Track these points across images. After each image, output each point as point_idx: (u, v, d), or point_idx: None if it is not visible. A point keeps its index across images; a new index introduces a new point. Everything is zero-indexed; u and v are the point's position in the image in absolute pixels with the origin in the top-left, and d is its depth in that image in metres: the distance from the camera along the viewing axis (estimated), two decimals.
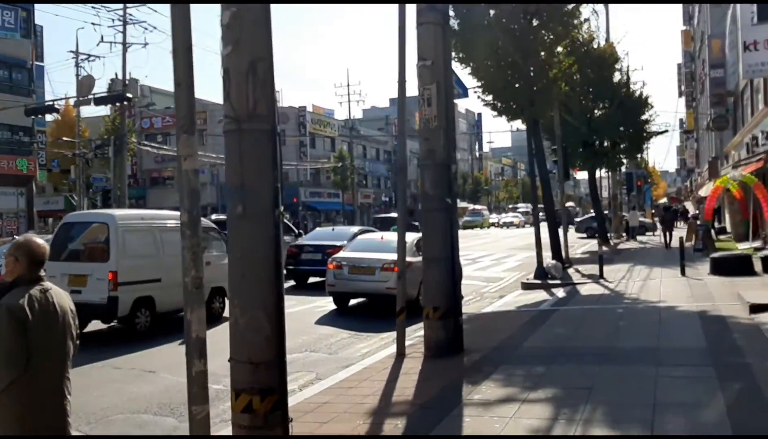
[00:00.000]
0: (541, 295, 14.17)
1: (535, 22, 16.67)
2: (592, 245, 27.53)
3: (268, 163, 4.94)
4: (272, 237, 4.91)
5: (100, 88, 45.83)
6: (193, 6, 4.56)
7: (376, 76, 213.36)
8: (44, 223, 40.60)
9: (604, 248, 20.86)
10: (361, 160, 69.06)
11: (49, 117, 38.02)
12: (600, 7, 33.08)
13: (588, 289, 14.62)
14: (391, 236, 14.04)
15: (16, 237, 13.78)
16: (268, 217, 4.88)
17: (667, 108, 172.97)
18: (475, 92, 17.86)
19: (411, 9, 8.81)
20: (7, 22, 35.36)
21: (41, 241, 3.70)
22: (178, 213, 11.64)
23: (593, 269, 17.24)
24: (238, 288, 4.93)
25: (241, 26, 4.81)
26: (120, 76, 29.90)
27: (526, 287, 15.53)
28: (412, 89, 9.21)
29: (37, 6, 37.42)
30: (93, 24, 42.71)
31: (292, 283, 16.98)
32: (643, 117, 29.19)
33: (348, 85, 62.49)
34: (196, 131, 4.47)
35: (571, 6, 16.94)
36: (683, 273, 15.52)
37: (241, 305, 4.89)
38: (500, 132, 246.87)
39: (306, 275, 17.29)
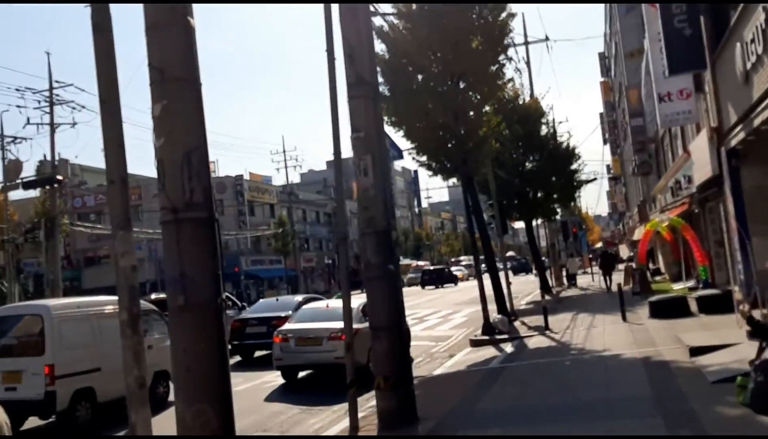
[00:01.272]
0: (490, 351, 14.24)
1: (462, 84, 17.23)
2: (536, 294, 27.97)
3: (207, 252, 4.91)
4: (216, 327, 4.84)
5: (29, 170, 44.66)
6: (122, 87, 4.56)
7: (311, 139, 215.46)
8: None
9: (547, 297, 21.21)
10: (302, 224, 68.97)
11: None
12: (522, 65, 34.63)
13: (535, 342, 14.78)
14: (337, 304, 13.95)
15: None
16: (210, 307, 4.82)
17: (594, 155, 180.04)
18: (410, 153, 18.25)
19: (342, 80, 9.00)
20: None
21: None
22: (115, 298, 11.33)
23: (538, 320, 17.48)
24: (184, 382, 4.81)
25: (173, 118, 4.84)
26: (49, 158, 29.24)
27: (475, 344, 15.59)
28: (348, 151, 9.35)
29: None
30: (18, 106, 41.65)
31: (237, 358, 16.59)
32: (573, 167, 30.27)
33: (284, 151, 62.82)
34: (132, 228, 4.41)
35: (494, 67, 17.62)
36: (624, 319, 15.89)
37: (186, 400, 4.77)
38: (437, 189, 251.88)
39: (251, 349, 16.93)
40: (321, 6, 8.95)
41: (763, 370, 6.44)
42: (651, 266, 30.99)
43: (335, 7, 8.97)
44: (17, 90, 29.80)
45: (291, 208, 63.29)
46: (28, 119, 29.59)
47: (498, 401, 9.20)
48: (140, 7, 4.98)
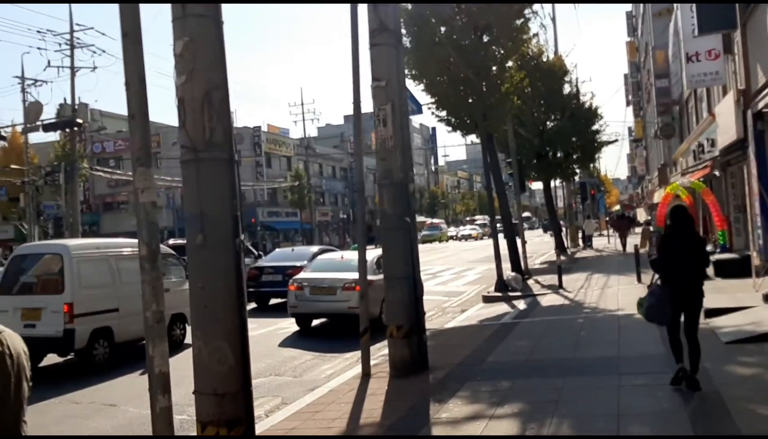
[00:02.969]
0: (502, 307, 14.30)
1: (485, 38, 16.95)
2: (550, 255, 27.94)
3: (226, 192, 4.91)
4: (233, 266, 4.87)
5: (49, 113, 44.85)
6: (144, 29, 4.52)
7: (330, 93, 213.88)
8: None
9: (562, 258, 21.17)
10: (318, 178, 68.94)
11: None
12: (548, 21, 33.96)
13: (548, 300, 14.82)
14: (352, 255, 14.05)
15: None
16: (228, 246, 4.85)
17: (616, 117, 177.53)
18: (429, 108, 18.06)
19: (364, 29, 8.86)
20: None
21: None
22: (134, 241, 11.45)
23: (552, 279, 17.49)
24: (201, 319, 4.87)
25: (195, 55, 4.79)
26: (69, 101, 29.30)
27: (488, 300, 15.66)
28: (368, 106, 9.26)
29: None
30: (39, 48, 42.03)
31: (253, 305, 16.80)
32: (594, 127, 29.87)
33: (302, 104, 62.44)
34: (152, 163, 4.41)
35: (519, 22, 17.28)
36: (639, 280, 15.84)
37: (204, 336, 4.83)
38: (455, 146, 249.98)
39: (267, 296, 17.15)
40: None
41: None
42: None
43: None
44: (38, 32, 29.95)
45: (308, 161, 63.19)
46: (49, 62, 29.68)
47: (508, 354, 9.27)
48: None
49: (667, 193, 23.51)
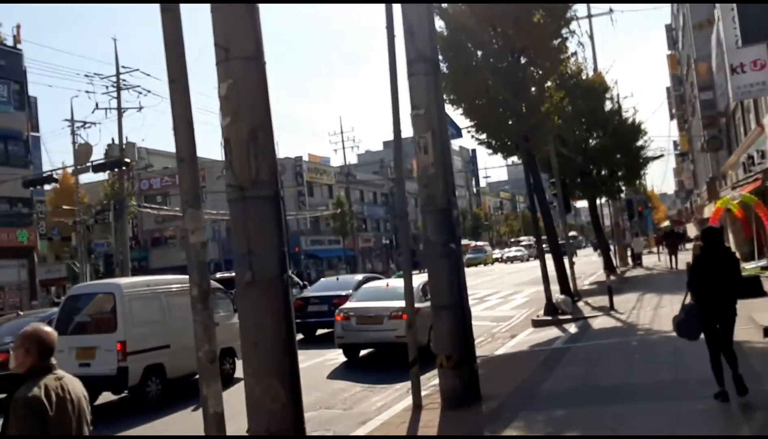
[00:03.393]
0: (553, 332, 14.03)
1: (522, 60, 16.87)
2: (599, 275, 27.41)
3: (273, 229, 4.95)
4: (282, 303, 4.88)
5: (98, 153, 46.31)
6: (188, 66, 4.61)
7: (368, 119, 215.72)
8: (47, 292, 40.48)
9: (612, 277, 20.73)
10: (359, 204, 69.32)
11: (47, 186, 38.25)
12: (585, 39, 33.68)
13: (600, 322, 14.49)
14: (397, 283, 13.99)
15: (20, 313, 13.76)
16: (277, 283, 4.87)
17: (659, 131, 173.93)
18: (469, 132, 18.01)
19: (402, 56, 8.92)
20: (0, 96, 35.85)
21: (49, 329, 3.66)
22: (182, 277, 11.63)
23: (603, 300, 17.12)
24: (252, 357, 4.89)
25: (239, 96, 4.87)
26: (117, 142, 30.16)
27: (537, 324, 15.40)
28: (407, 130, 9.28)
29: (30, 78, 38.08)
30: (87, 92, 43.35)
31: (300, 336, 16.82)
32: (638, 143, 29.36)
33: (342, 133, 63.07)
34: (201, 206, 4.48)
35: (557, 42, 17.17)
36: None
37: (255, 374, 4.84)
38: (496, 168, 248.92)
39: (314, 327, 17.16)
40: None
41: None
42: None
43: None
44: (86, 76, 31.09)
45: (349, 188, 63.64)
46: (97, 104, 30.60)
47: (562, 381, 9.06)
48: None
49: (717, 207, 22.92)
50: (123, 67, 30.73)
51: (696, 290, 6.99)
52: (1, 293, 34.82)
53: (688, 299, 7.19)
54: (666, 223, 68.36)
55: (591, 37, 34.68)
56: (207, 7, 5.11)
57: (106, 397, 10.96)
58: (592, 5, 33.10)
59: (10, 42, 37.95)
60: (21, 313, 14.88)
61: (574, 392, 8.19)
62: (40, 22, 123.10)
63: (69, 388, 3.56)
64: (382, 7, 8.87)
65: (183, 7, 4.73)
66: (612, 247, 34.77)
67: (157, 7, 4.59)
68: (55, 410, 3.35)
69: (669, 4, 45.07)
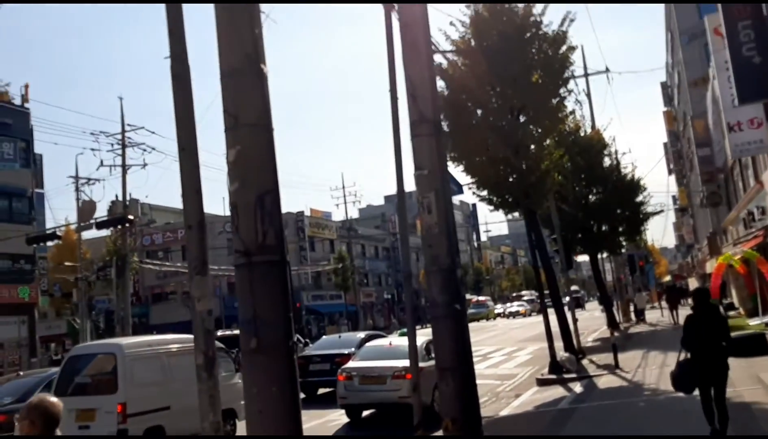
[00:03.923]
0: (558, 391, 13.85)
1: (522, 118, 17.13)
2: (603, 331, 27.19)
3: (279, 294, 4.93)
4: (288, 369, 4.83)
5: (101, 209, 46.59)
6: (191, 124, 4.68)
7: (369, 174, 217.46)
8: (46, 348, 40.14)
9: (616, 334, 20.55)
10: (361, 259, 69.28)
11: (50, 242, 38.34)
12: (583, 97, 34.25)
13: (605, 381, 14.31)
14: (400, 341, 13.89)
15: (20, 373, 13.62)
16: (281, 349, 4.82)
17: (658, 186, 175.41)
18: (470, 188, 18.16)
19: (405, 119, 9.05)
20: (6, 154, 36.28)
21: (55, 399, 3.65)
22: (182, 336, 11.57)
23: (607, 358, 16.94)
24: (256, 424, 4.80)
25: (247, 163, 4.92)
26: (120, 198, 30.38)
27: (542, 383, 15.20)
28: (409, 185, 9.35)
29: (36, 136, 38.55)
30: (92, 149, 43.53)
31: (302, 395, 16.61)
32: (638, 199, 29.53)
33: (344, 187, 63.56)
34: (208, 272, 4.49)
35: (555, 100, 17.46)
36: None
37: None
38: (497, 222, 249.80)
39: (316, 386, 16.95)
40: (383, 45, 9.10)
41: None
42: (724, 300, 29.79)
43: (398, 47, 9.08)
44: (92, 134, 31.36)
45: (350, 243, 63.75)
46: (102, 161, 31.01)
47: None
48: (215, 56, 5.15)
49: (720, 263, 22.91)
50: (128, 125, 31.20)
51: (689, 347, 7.67)
52: (0, 350, 34.50)
53: (683, 356, 7.86)
54: (668, 277, 68.14)
55: (588, 95, 35.36)
56: (216, 72, 5.24)
57: None
58: (589, 65, 33.78)
59: (17, 101, 38.63)
60: (21, 373, 14.72)
61: None
62: (48, 81, 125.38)
63: None
64: (385, 70, 9.05)
65: (192, 71, 4.86)
66: (615, 302, 34.61)
67: (165, 66, 4.71)
68: None
69: (663, 66, 45.99)
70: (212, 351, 4.35)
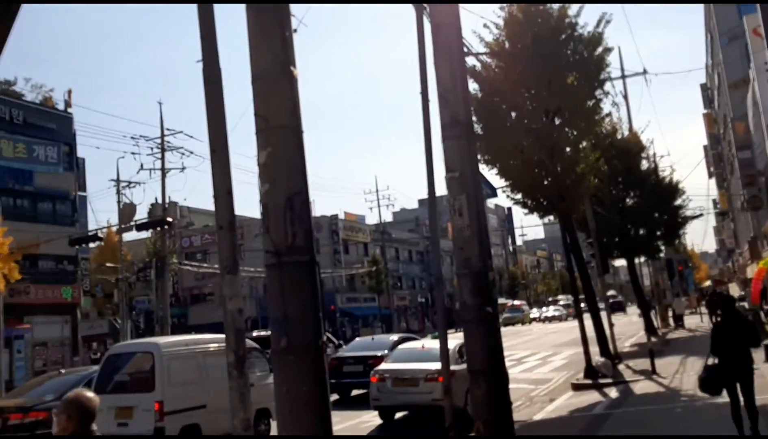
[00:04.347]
0: (593, 396, 13.69)
1: (557, 121, 16.98)
2: (640, 336, 26.75)
3: (309, 295, 5.00)
4: (317, 368, 4.90)
5: (141, 211, 47.53)
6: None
7: (403, 178, 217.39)
8: (88, 348, 41.02)
9: (653, 339, 20.22)
10: (395, 262, 69.28)
11: (92, 244, 39.20)
12: (620, 99, 33.77)
13: (642, 387, 14.09)
14: (432, 344, 13.88)
15: (62, 371, 13.99)
16: (312, 348, 4.90)
17: (698, 189, 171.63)
18: (504, 191, 18.05)
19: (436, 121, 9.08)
20: (50, 158, 37.20)
21: (91, 394, 3.75)
22: (219, 336, 11.72)
23: (644, 363, 16.68)
24: (287, 423, 4.88)
25: (277, 164, 5.01)
26: (160, 201, 30.96)
27: (577, 388, 15.04)
28: (441, 189, 9.36)
29: (79, 140, 39.45)
30: (133, 153, 44.49)
31: (335, 396, 16.71)
32: (676, 202, 29.02)
33: (377, 191, 63.68)
34: (239, 271, 4.58)
35: (591, 103, 17.27)
36: None
37: None
38: (532, 227, 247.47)
39: (349, 388, 17.03)
40: (415, 48, 9.14)
41: None
42: (765, 306, 29.05)
43: (429, 49, 9.11)
44: (132, 138, 31.98)
45: (384, 246, 63.83)
46: (142, 165, 31.55)
47: None
48: (247, 60, 5.26)
49: (760, 268, 22.38)
50: (167, 129, 31.80)
51: (716, 352, 8.18)
52: (44, 348, 35.41)
53: (711, 361, 8.34)
54: (707, 283, 66.67)
55: (625, 97, 34.82)
56: (247, 75, 5.34)
57: None
58: (626, 66, 33.31)
59: (61, 106, 39.65)
60: (62, 371, 15.10)
61: None
62: (91, 86, 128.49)
63: None
64: (417, 73, 9.09)
65: (224, 73, 4.97)
66: (653, 307, 34.01)
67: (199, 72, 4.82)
68: None
69: (703, 67, 45.10)
70: (243, 350, 4.43)
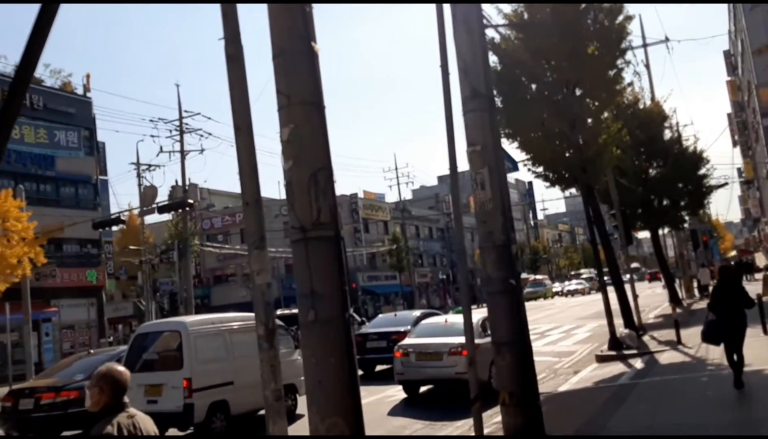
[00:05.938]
0: (618, 367, 13.67)
1: (578, 92, 16.77)
2: (665, 307, 26.60)
3: (334, 269, 5.04)
4: (344, 341, 4.95)
5: (162, 194, 47.95)
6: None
7: (422, 156, 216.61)
8: (114, 329, 41.74)
9: (678, 310, 20.06)
10: (415, 240, 69.31)
11: (115, 227, 39.67)
12: (641, 68, 33.25)
13: (667, 357, 14.04)
14: (455, 319, 13.92)
15: (91, 351, 14.25)
16: (338, 322, 4.94)
17: (722, 158, 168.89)
18: (525, 165, 17.93)
19: (456, 95, 9.00)
20: (71, 142, 37.56)
21: (122, 368, 3.81)
22: (244, 314, 11.88)
23: (669, 334, 16.60)
24: (316, 395, 4.94)
25: (300, 141, 5.03)
26: (180, 183, 31.19)
27: (601, 359, 15.02)
28: (463, 165, 9.31)
29: (98, 125, 39.81)
30: (152, 136, 44.97)
31: (359, 372, 16.83)
32: (700, 172, 28.62)
33: (396, 169, 63.57)
34: (266, 246, 4.62)
35: (612, 72, 17.02)
36: (765, 331, 14.79)
37: (319, 412, 4.89)
38: (553, 200, 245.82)
39: (373, 363, 17.17)
40: (434, 22, 9.04)
41: None
42: None
43: (448, 22, 9.02)
44: (151, 121, 32.26)
45: (404, 224, 63.83)
46: (161, 148, 31.86)
47: (629, 419, 8.81)
48: (267, 38, 5.25)
49: None
50: (185, 111, 31.97)
51: (715, 310, 9.64)
52: (71, 331, 36.07)
53: (710, 316, 9.80)
54: (733, 252, 65.92)
55: (647, 66, 34.28)
56: (268, 53, 5.34)
57: (172, 433, 11.16)
58: (647, 34, 32.73)
59: (80, 91, 39.95)
60: (92, 351, 15.39)
61: (642, 431, 7.95)
62: (108, 70, 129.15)
63: (140, 426, 3.71)
64: (436, 48, 9.00)
65: (245, 54, 4.97)
66: (677, 279, 33.74)
67: (220, 54, 4.82)
68: None
69: (726, 33, 44.19)
70: (272, 322, 4.49)
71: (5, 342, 26.11)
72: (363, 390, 14.03)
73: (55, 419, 11.50)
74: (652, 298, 35.94)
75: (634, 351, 15.05)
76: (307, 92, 5.10)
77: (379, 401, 13.21)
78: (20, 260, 23.96)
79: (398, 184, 63.78)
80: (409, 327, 16.00)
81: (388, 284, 62.02)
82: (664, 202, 28.72)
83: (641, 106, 27.43)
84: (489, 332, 9.09)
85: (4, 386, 20.92)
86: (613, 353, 15.13)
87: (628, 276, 21.37)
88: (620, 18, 16.14)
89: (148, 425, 3.81)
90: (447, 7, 9.07)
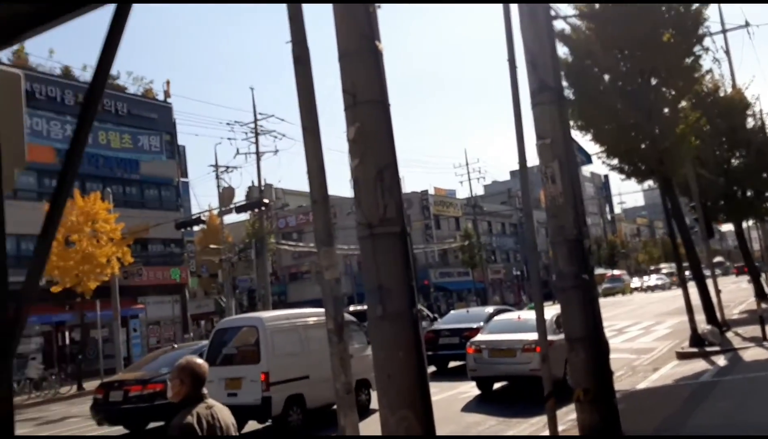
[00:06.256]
0: (699, 365, 13.21)
1: (653, 81, 16.28)
2: (750, 303, 25.44)
3: (401, 264, 5.14)
4: (412, 335, 5.04)
5: (239, 195, 49.36)
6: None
7: (493, 151, 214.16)
8: (197, 325, 43.26)
9: (764, 305, 19.16)
10: (488, 236, 68.66)
11: (196, 227, 41.11)
12: (721, 55, 31.81)
13: (751, 354, 13.47)
14: (529, 315, 13.78)
15: (175, 346, 14.89)
16: (406, 316, 5.04)
17: None
18: (599, 157, 17.55)
19: (525, 88, 8.93)
20: (154, 147, 39.11)
21: (201, 361, 4.00)
22: (318, 310, 12.14)
23: (754, 330, 15.91)
24: (385, 388, 5.06)
25: (366, 139, 5.15)
26: (256, 184, 32.05)
27: (682, 356, 14.55)
28: (533, 160, 9.22)
29: (179, 129, 41.32)
30: (229, 139, 46.50)
31: (432, 368, 16.91)
32: None
33: (467, 164, 63.11)
34: (334, 243, 4.76)
35: (689, 60, 16.42)
36: None
37: (389, 405, 5.00)
38: (631, 193, 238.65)
39: (445, 359, 17.19)
40: (501, 16, 9.00)
41: None
42: None
43: (515, 15, 8.96)
44: (228, 124, 33.26)
45: (476, 220, 63.34)
46: (238, 150, 32.94)
47: (711, 417, 8.53)
48: (333, 39, 5.39)
49: None
50: (260, 114, 32.88)
51: None
52: (157, 327, 37.65)
53: None
54: None
55: (727, 52, 32.73)
56: (335, 56, 5.48)
57: (251, 426, 11.54)
58: (726, 19, 31.36)
59: (161, 97, 41.57)
60: (176, 345, 16.06)
61: (724, 429, 7.69)
62: (187, 76, 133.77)
63: (219, 416, 3.89)
64: (503, 42, 8.96)
65: (312, 57, 5.12)
66: (762, 273, 32.19)
67: (289, 57, 4.98)
68: (205, 436, 3.67)
69: None
70: (341, 317, 4.61)
71: (96, 338, 27.58)
72: (436, 386, 14.13)
73: (142, 410, 12.11)
74: (736, 293, 34.42)
75: (717, 348, 14.50)
76: (372, 91, 5.22)
77: (452, 397, 13.24)
78: (109, 260, 25.30)
79: (469, 179, 63.18)
80: (481, 323, 15.95)
81: (461, 280, 61.71)
82: (748, 194, 27.43)
83: (722, 94, 26.26)
84: (563, 329, 8.99)
85: (97, 379, 22.10)
86: (694, 350, 14.63)
87: (710, 271, 20.57)
88: (696, 4, 15.57)
89: (225, 415, 3.98)
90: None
